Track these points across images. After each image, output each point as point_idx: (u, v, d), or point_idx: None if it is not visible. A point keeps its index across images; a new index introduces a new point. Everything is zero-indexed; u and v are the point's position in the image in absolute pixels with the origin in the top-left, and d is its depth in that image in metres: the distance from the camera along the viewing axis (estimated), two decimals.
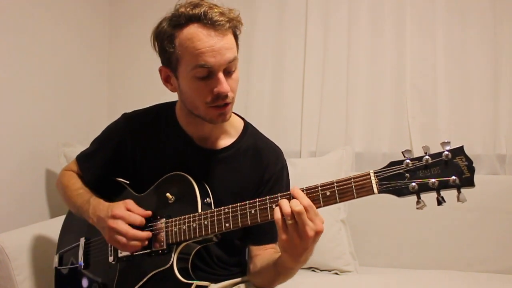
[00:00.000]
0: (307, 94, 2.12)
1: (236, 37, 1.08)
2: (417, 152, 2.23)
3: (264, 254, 1.14)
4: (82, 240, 1.30)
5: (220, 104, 1.05)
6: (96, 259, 1.25)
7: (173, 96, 1.25)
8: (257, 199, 0.98)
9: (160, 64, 1.12)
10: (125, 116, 1.26)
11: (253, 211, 0.98)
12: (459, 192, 0.83)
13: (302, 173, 1.82)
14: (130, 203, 1.13)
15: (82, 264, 1.27)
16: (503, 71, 1.97)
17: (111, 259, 1.19)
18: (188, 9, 1.02)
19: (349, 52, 2.08)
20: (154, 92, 2.25)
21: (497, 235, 1.81)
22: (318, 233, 0.88)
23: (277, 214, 0.90)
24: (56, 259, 1.34)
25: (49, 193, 1.86)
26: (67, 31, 2.01)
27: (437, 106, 2.02)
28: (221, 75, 1.02)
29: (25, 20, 1.75)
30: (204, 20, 1.00)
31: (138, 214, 1.10)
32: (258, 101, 2.16)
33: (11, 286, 1.36)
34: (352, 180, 0.89)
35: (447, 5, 2.01)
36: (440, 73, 2.02)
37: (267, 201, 0.97)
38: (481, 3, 1.97)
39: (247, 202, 0.99)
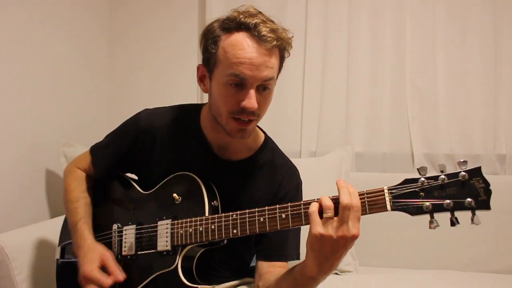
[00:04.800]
0: (307, 94, 2.12)
1: (281, 59, 1.07)
2: (417, 153, 2.21)
3: (275, 271, 1.10)
4: None
5: (243, 119, 1.04)
6: None
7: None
8: (266, 207, 0.97)
9: (200, 62, 1.12)
10: (146, 112, 1.24)
11: (261, 219, 0.96)
12: (473, 214, 0.81)
13: (302, 173, 1.81)
14: (107, 259, 1.10)
15: None
16: (503, 71, 1.98)
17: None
18: (242, 16, 1.01)
19: (349, 52, 2.08)
20: (154, 92, 2.28)
21: (497, 235, 1.81)
22: (353, 237, 0.84)
23: (313, 207, 0.87)
24: (58, 250, 1.32)
25: (49, 193, 1.86)
26: (68, 31, 2.00)
27: (437, 106, 2.02)
28: (252, 91, 1.01)
29: (26, 22, 1.74)
30: (253, 31, 1.00)
31: (111, 276, 1.08)
32: None
33: (11, 286, 1.35)
34: (366, 195, 0.87)
35: (447, 5, 2.01)
36: (440, 73, 2.02)
37: (277, 210, 0.95)
38: (481, 4, 1.97)
39: (256, 209, 0.98)
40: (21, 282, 1.37)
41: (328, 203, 0.86)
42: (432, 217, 0.84)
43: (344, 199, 0.84)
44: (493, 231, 1.81)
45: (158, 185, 1.18)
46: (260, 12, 1.05)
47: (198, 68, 1.13)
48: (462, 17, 2.00)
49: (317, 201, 0.89)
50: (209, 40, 1.05)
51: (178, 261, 1.07)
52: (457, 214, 0.83)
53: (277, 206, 0.95)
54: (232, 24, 1.02)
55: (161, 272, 1.09)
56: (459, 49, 2.01)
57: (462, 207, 0.82)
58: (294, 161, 1.50)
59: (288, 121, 2.14)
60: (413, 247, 1.87)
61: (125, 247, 1.17)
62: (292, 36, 1.07)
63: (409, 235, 1.86)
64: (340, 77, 2.09)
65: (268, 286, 1.08)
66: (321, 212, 0.87)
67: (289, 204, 0.94)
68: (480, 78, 1.99)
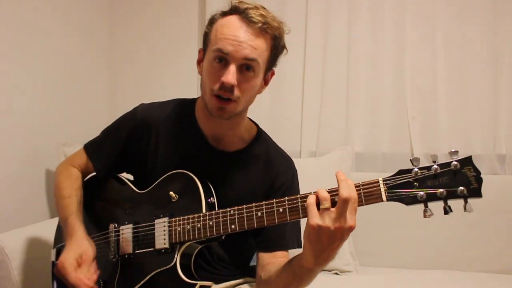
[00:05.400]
0: (307, 94, 2.12)
1: (274, 49, 1.09)
2: (417, 153, 2.21)
3: (277, 261, 1.11)
4: None
5: (223, 96, 1.06)
6: (97, 255, 1.23)
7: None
8: (264, 202, 0.98)
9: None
10: (143, 106, 1.25)
11: (259, 214, 0.97)
12: (466, 202, 0.83)
13: (302, 173, 1.81)
14: (86, 259, 1.11)
15: None
16: (503, 71, 1.98)
17: (111, 256, 1.19)
18: (237, 2, 1.07)
19: (349, 52, 2.08)
20: (154, 91, 2.27)
21: (497, 235, 1.81)
22: (350, 228, 0.86)
23: (310, 199, 0.89)
24: (53, 253, 1.31)
25: (49, 193, 1.86)
26: (67, 29, 2.01)
27: (437, 106, 2.02)
28: (232, 67, 1.03)
29: (25, 19, 1.74)
30: (243, 14, 1.05)
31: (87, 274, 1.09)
32: (258, 101, 2.14)
33: (11, 286, 1.36)
34: (361, 187, 0.89)
35: (447, 5, 2.01)
36: (440, 73, 2.02)
37: (274, 204, 0.96)
38: (481, 4, 1.98)
39: (253, 204, 0.99)
40: (21, 282, 1.37)
41: (325, 195, 0.88)
42: (426, 206, 0.86)
43: (344, 193, 0.85)
44: (493, 231, 1.81)
45: (154, 184, 1.19)
46: (263, 7, 1.08)
47: (199, 52, 1.17)
48: (462, 17, 2.00)
49: (314, 194, 0.90)
50: (207, 23, 1.11)
51: (177, 259, 1.07)
52: (451, 202, 0.85)
53: (274, 200, 0.96)
54: (228, 9, 1.08)
55: (159, 270, 1.09)
56: (459, 49, 2.01)
57: (455, 195, 0.84)
58: (294, 161, 1.51)
59: (288, 121, 2.15)
60: (413, 247, 1.87)
61: (122, 246, 1.18)
62: (289, 32, 1.11)
63: (409, 235, 1.86)
64: (340, 77, 2.09)
65: (269, 277, 1.09)
66: (318, 204, 0.88)
67: (286, 198, 0.95)
68: (480, 78, 1.99)
